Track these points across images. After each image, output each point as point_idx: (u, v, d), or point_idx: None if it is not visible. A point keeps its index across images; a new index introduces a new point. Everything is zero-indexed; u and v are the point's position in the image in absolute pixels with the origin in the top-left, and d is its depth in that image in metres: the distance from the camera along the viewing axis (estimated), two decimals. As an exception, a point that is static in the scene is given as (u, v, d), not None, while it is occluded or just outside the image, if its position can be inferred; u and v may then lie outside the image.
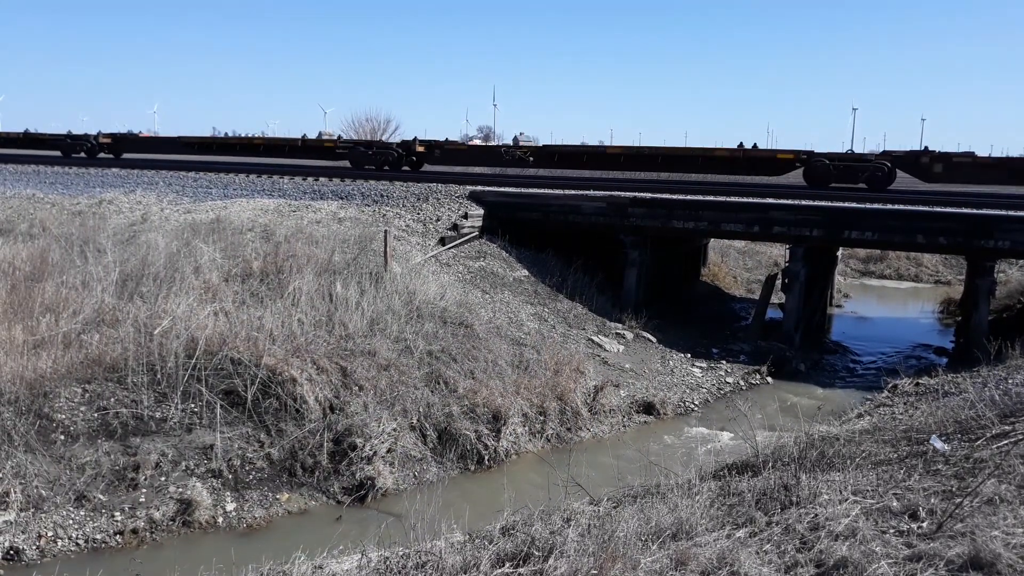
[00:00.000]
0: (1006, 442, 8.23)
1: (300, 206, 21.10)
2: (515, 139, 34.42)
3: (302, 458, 11.31)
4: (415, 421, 12.39)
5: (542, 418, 13.61)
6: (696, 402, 16.24)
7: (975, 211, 18.86)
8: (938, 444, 8.84)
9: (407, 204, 21.63)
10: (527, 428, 13.31)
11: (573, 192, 22.30)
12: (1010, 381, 13.42)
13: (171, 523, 9.96)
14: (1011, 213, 18.47)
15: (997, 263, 19.59)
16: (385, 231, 16.69)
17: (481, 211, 21.56)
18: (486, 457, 12.43)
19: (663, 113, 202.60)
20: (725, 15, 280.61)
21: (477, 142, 64.52)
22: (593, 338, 17.93)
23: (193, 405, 11.47)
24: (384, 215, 20.49)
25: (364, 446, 11.46)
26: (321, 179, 26.07)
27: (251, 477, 10.99)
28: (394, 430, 11.94)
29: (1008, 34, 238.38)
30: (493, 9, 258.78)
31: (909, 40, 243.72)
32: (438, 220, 20.74)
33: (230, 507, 10.44)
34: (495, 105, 68.77)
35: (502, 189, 23.01)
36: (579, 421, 14.09)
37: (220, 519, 10.24)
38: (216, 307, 13.31)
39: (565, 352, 15.92)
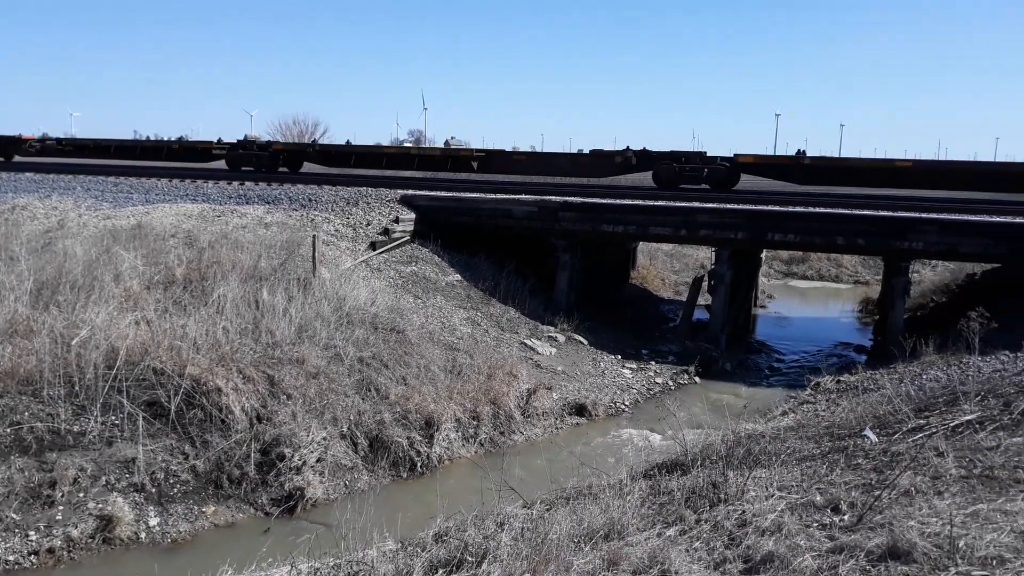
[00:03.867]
0: (921, 436, 8.56)
1: (225, 211, 20.61)
2: (447, 142, 34.27)
3: (229, 470, 11.02)
4: (346, 429, 12.21)
5: (475, 423, 13.58)
6: (627, 403, 16.44)
7: (891, 214, 19.60)
8: (871, 436, 9.13)
9: (336, 208, 21.34)
10: (460, 433, 13.27)
11: (505, 196, 22.36)
12: (924, 377, 13.99)
13: (90, 541, 9.57)
14: (924, 215, 19.26)
15: (912, 263, 20.38)
16: (313, 236, 16.43)
17: (413, 215, 21.43)
18: (419, 464, 12.34)
19: (593, 117, 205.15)
20: (653, 22, 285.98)
21: (408, 144, 64.16)
22: (526, 341, 17.99)
23: (114, 418, 11.06)
24: (312, 220, 20.17)
25: (293, 456, 11.23)
26: (247, 183, 25.54)
27: (175, 490, 10.65)
28: (324, 439, 11.74)
29: (923, 44, 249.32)
30: (422, 11, 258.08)
31: (830, 49, 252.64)
32: (369, 224, 20.52)
33: (153, 522, 10.10)
34: (425, 108, 68.57)
35: (434, 193, 22.93)
36: (512, 425, 14.11)
37: (143, 535, 9.90)
38: (137, 316, 12.87)
39: (498, 356, 15.93)
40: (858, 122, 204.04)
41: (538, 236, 21.64)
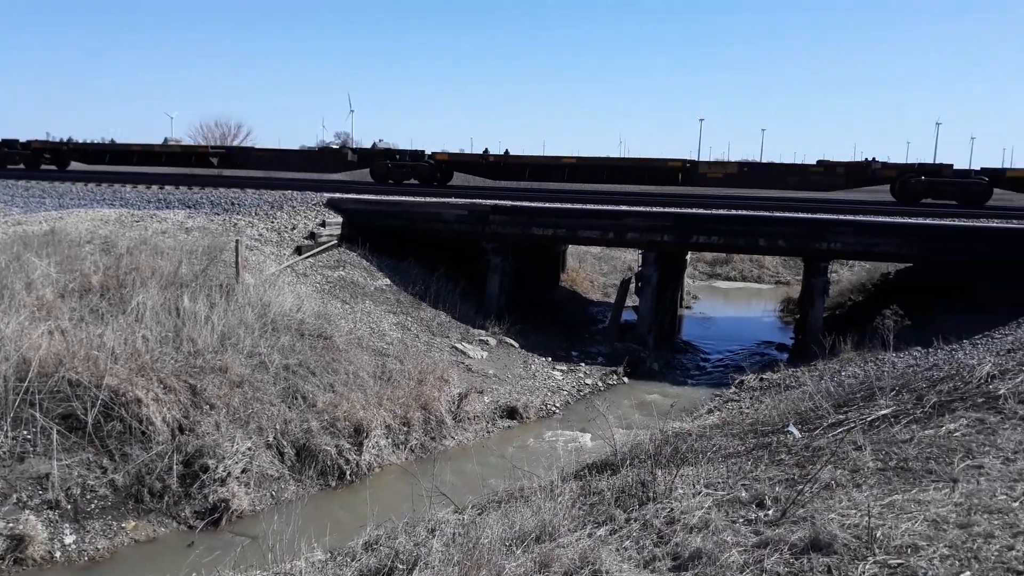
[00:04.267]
0: (840, 430, 8.83)
1: (144, 216, 19.95)
2: (374, 145, 34.02)
3: (150, 483, 10.65)
4: (272, 439, 11.94)
5: (406, 429, 13.46)
6: (558, 404, 16.54)
7: (811, 216, 20.23)
8: (795, 432, 9.38)
9: (260, 212, 20.89)
10: (390, 440, 13.13)
11: (434, 200, 22.25)
12: (843, 374, 14.47)
13: (0, 562, 9.12)
14: (842, 217, 19.96)
15: (830, 263, 21.07)
16: (236, 241, 16.03)
17: (340, 219, 21.13)
18: (348, 472, 12.16)
19: (524, 122, 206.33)
20: (587, 30, 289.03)
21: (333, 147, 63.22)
22: (457, 345, 17.93)
23: (26, 432, 10.56)
24: (235, 224, 19.69)
25: (217, 467, 10.92)
26: (167, 187, 24.78)
27: (93, 506, 10.23)
28: (249, 449, 11.45)
29: (841, 52, 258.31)
30: (348, 12, 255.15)
31: (753, 56, 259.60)
32: (294, 229, 20.15)
33: (69, 540, 9.68)
34: (352, 111, 67.72)
35: (361, 196, 22.67)
36: (444, 430, 14.03)
37: (58, 553, 9.48)
38: (51, 325, 12.32)
39: (429, 361, 15.83)
40: (778, 126, 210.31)
41: (469, 239, 21.61)
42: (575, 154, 28.05)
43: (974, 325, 15.77)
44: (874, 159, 26.54)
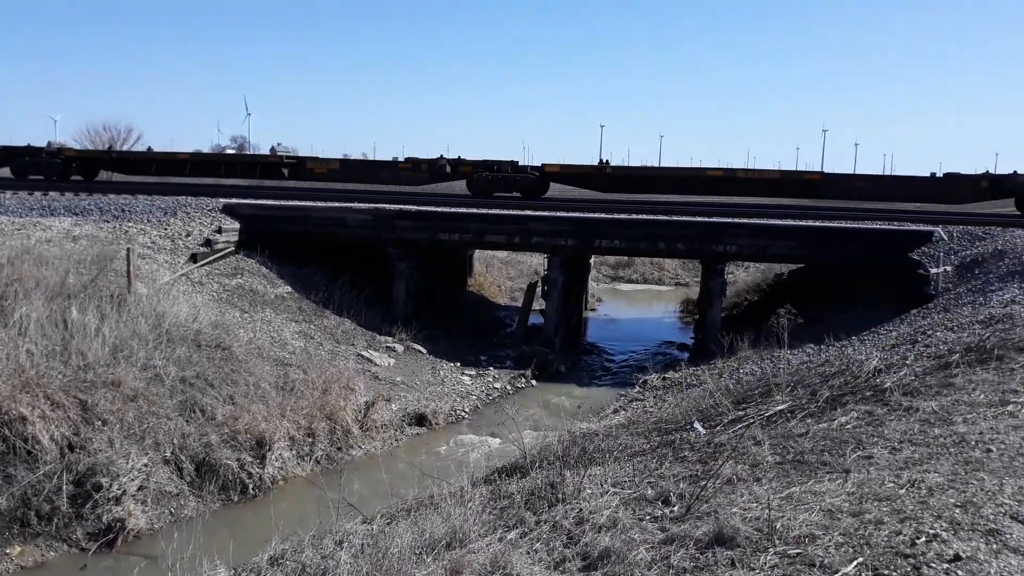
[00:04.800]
0: (740, 426, 9.13)
1: (26, 223, 18.84)
2: (272, 149, 33.18)
3: (37, 505, 10.05)
4: (169, 454, 11.46)
5: (311, 440, 13.16)
6: (467, 409, 16.50)
7: (707, 219, 20.88)
8: (700, 428, 9.62)
9: (153, 219, 20.05)
10: (295, 452, 12.81)
11: (337, 204, 21.87)
12: (741, 371, 14.97)
13: None
14: (736, 221, 20.69)
15: (727, 265, 21.80)
16: (128, 249, 15.33)
17: (237, 225, 20.50)
18: (251, 486, 11.79)
19: (425, 126, 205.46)
20: (485, 33, 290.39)
21: (231, 152, 61.48)
22: (363, 353, 17.66)
23: None
24: (126, 232, 18.83)
25: (111, 485, 10.40)
26: (51, 193, 23.48)
27: (-29, 534, 9.58)
28: (145, 465, 10.96)
29: (732, 60, 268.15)
30: (245, 15, 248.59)
31: (651, 63, 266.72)
32: (188, 235, 19.42)
33: (-56, 571, 9.04)
34: (248, 114, 65.87)
35: (259, 202, 22.06)
36: (350, 439, 13.79)
37: (-69, 587, 8.84)
38: (-80, 341, 11.50)
39: (334, 370, 15.52)
40: (676, 132, 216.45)
41: (373, 245, 21.34)
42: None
43: (861, 322, 16.59)
44: (458, 156, 27.90)
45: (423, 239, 21.04)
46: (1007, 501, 4.86)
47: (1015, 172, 24.48)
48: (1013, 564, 4.00)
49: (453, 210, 21.54)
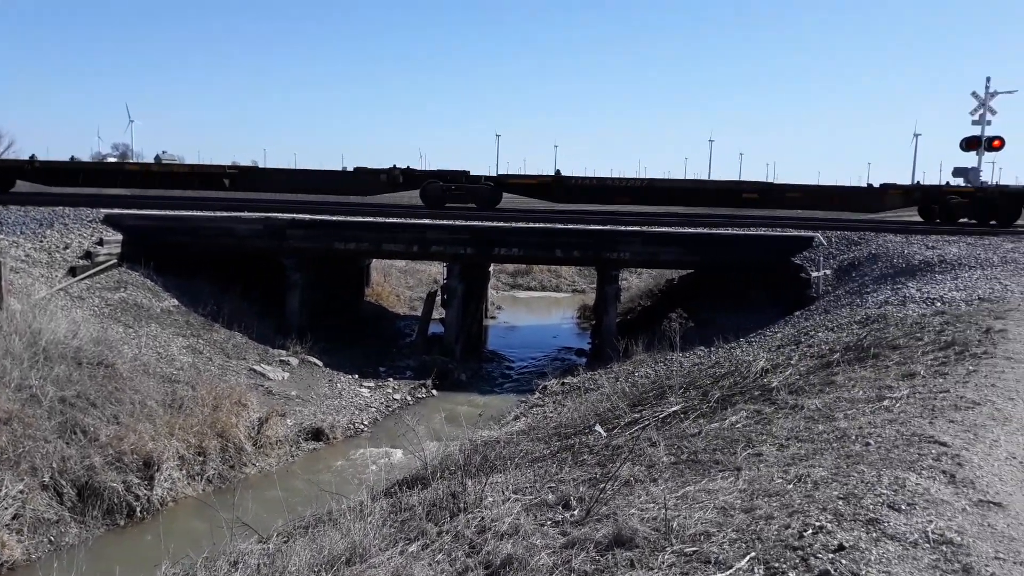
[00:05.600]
0: (636, 428, 9.30)
1: None
2: (157, 157, 31.78)
3: None
4: (48, 479, 10.77)
5: (202, 459, 12.66)
6: (366, 422, 16.24)
7: (602, 227, 21.30)
8: (600, 431, 9.73)
9: (27, 231, 18.87)
10: (185, 471, 12.29)
11: (225, 214, 21.16)
12: (637, 374, 15.31)
13: None
14: (629, 228, 21.19)
15: (621, 271, 22.29)
16: (-2, 263, 14.38)
17: (119, 236, 19.55)
18: (139, 508, 11.25)
19: (317, 134, 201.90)
20: (379, 39, 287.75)
21: (112, 159, 58.61)
22: (255, 367, 17.12)
23: None
24: (-3, 245, 17.68)
25: (-20, 516, 9.71)
26: (-90, 204, 21.79)
27: None
28: (21, 492, 10.27)
29: (624, 71, 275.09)
30: (126, 18, 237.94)
31: (544, 72, 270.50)
32: (67, 248, 18.38)
33: None
34: (131, 121, 62.97)
35: (143, 212, 21.12)
36: (243, 457, 13.34)
37: None
38: None
39: (224, 385, 14.98)
40: (571, 141, 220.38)
41: (266, 255, 20.77)
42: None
43: (749, 324, 17.24)
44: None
45: (318, 249, 20.62)
46: (885, 491, 5.11)
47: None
48: (891, 551, 4.22)
49: (349, 219, 21.21)
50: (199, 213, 21.23)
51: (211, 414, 13.44)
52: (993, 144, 29.39)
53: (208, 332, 17.77)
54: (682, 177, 45.85)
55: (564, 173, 27.24)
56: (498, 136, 78.30)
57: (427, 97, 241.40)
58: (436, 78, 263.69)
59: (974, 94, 29.56)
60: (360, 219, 21.26)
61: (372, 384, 18.41)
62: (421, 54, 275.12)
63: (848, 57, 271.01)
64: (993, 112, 29.47)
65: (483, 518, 6.68)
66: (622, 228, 21.17)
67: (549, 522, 6.29)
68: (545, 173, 29.02)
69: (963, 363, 8.63)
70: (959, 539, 4.31)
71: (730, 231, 21.33)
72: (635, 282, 32.74)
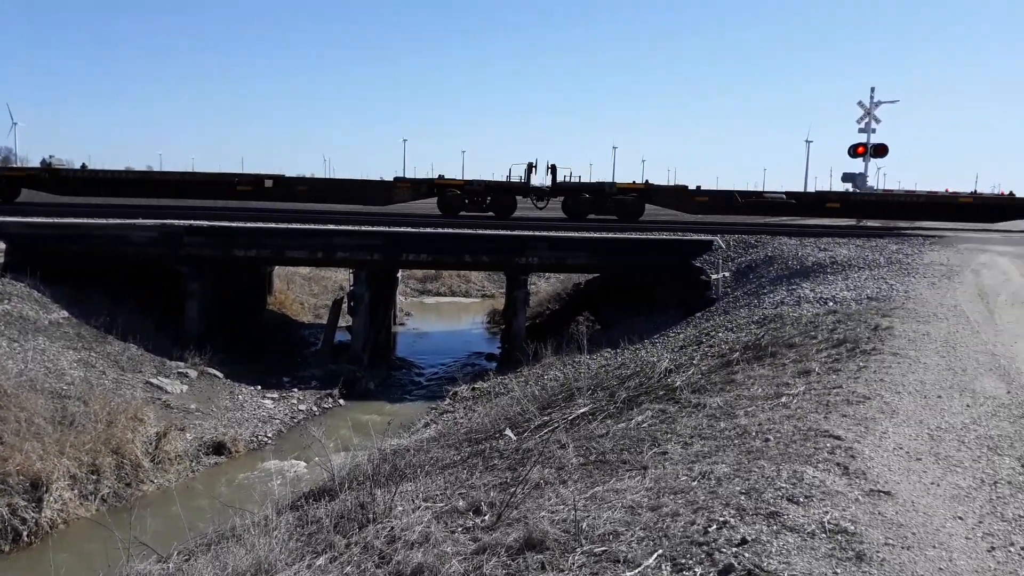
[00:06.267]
0: (546, 431, 9.37)
1: None
2: (44, 161, 30.19)
3: None
4: (-79, 506, 10.08)
5: (95, 477, 12.06)
6: (270, 434, 15.82)
7: (510, 232, 21.41)
8: (511, 435, 9.73)
9: None
10: (77, 491, 11.68)
11: (119, 221, 20.26)
12: (546, 377, 15.43)
13: None
14: (537, 234, 21.38)
15: (529, 276, 22.45)
16: None
17: (3, 245, 18.45)
18: (25, 532, 10.64)
19: (219, 136, 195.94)
20: (278, 42, 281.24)
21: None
22: (152, 380, 16.44)
23: None
24: None
25: None
26: None
27: None
28: None
29: (532, 79, 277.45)
30: (8, 15, 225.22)
31: (453, 77, 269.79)
32: (-57, 259, 17.25)
33: None
34: (15, 123, 59.45)
35: (29, 220, 20.01)
36: (141, 474, 12.78)
37: None
38: None
39: (119, 400, 14.33)
40: (478, 147, 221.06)
41: (163, 263, 19.98)
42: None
43: (655, 326, 17.64)
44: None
45: (217, 256, 19.99)
46: (784, 485, 5.30)
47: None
48: (790, 542, 4.37)
49: (250, 225, 20.65)
50: (91, 220, 20.26)
51: (105, 430, 12.82)
52: (878, 151, 31.09)
53: (101, 345, 16.96)
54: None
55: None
56: (404, 141, 77.77)
57: (333, 103, 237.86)
58: (335, 78, 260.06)
59: (860, 103, 31.24)
60: (262, 225, 20.73)
61: (276, 395, 17.94)
62: (322, 56, 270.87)
63: (745, 66, 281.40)
64: (878, 120, 31.22)
65: (393, 528, 6.59)
66: (530, 233, 21.33)
67: (460, 529, 6.26)
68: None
69: (854, 359, 9.04)
70: (852, 528, 4.50)
71: (633, 235, 21.77)
72: (544, 286, 33.03)
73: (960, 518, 4.80)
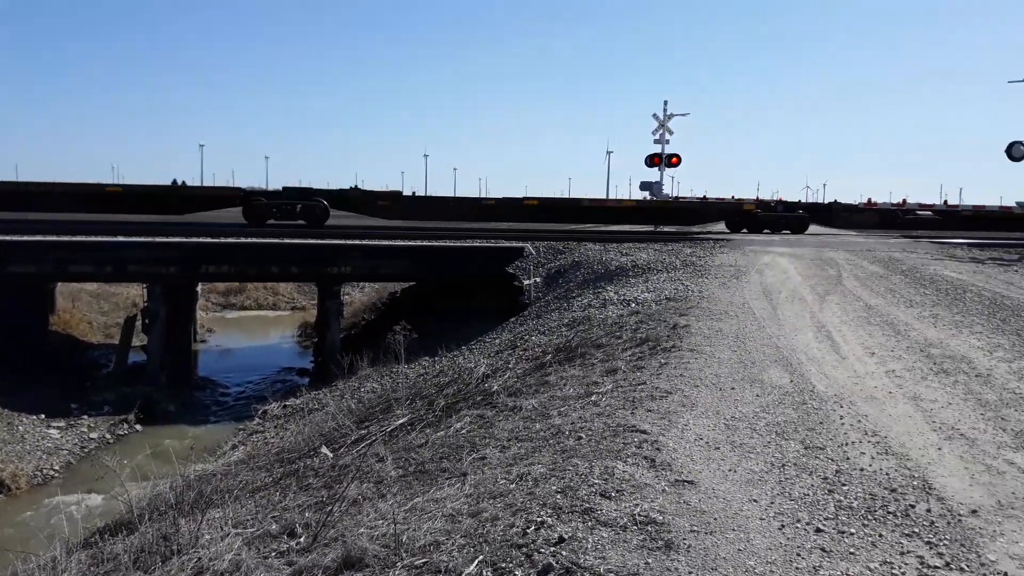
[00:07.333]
0: (364, 445, 9.16)
1: None
2: None
3: None
4: None
5: None
6: (56, 467, 14.42)
7: (320, 241, 20.85)
8: (327, 452, 9.39)
9: None
10: None
11: None
12: (363, 390, 15.14)
13: None
14: (349, 242, 20.98)
15: (343, 286, 21.96)
16: None
17: None
18: None
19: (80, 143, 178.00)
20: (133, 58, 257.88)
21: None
22: (-91, 415, 14.50)
23: None
24: None
25: None
26: None
27: None
28: None
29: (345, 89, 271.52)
30: None
31: (255, 86, 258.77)
32: None
33: None
34: None
35: None
36: None
37: None
38: None
39: None
40: (282, 153, 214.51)
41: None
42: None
43: (473, 332, 17.80)
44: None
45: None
46: (596, 481, 5.47)
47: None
48: (605, 536, 4.51)
49: (27, 239, 18.76)
50: None
51: None
52: (672, 161, 33.26)
53: None
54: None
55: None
56: (202, 146, 73.83)
57: (122, 108, 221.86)
58: (132, 88, 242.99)
59: (655, 116, 33.26)
60: (41, 238, 18.92)
61: (63, 424, 16.37)
62: (112, 58, 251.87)
63: (553, 78, 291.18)
64: (671, 132, 33.40)
65: (200, 558, 6.17)
66: (341, 242, 20.90)
67: (274, 553, 5.97)
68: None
69: (656, 357, 9.55)
70: (661, 518, 4.71)
71: (448, 243, 21.90)
72: (359, 296, 32.46)
73: (755, 500, 5.16)
